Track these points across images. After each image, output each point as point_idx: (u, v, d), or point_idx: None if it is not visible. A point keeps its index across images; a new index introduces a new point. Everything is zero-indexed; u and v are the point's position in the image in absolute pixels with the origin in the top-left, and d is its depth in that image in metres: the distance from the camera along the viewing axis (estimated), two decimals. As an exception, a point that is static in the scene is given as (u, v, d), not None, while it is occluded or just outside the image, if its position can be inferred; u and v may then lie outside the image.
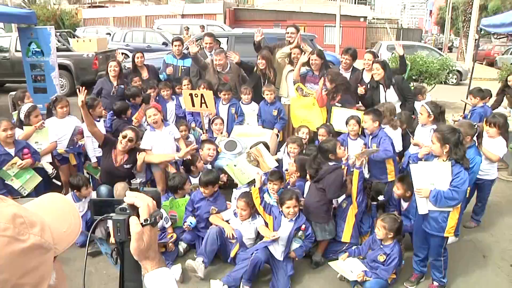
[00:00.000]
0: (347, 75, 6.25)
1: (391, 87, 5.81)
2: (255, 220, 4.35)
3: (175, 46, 7.32)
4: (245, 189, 4.89)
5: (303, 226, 4.05)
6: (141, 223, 1.13)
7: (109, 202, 1.20)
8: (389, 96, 5.77)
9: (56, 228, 0.86)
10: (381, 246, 3.92)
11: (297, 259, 4.11)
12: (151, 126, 5.31)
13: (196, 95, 5.82)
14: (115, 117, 5.89)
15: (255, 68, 6.64)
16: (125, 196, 1.18)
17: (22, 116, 5.04)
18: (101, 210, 1.19)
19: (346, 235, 4.36)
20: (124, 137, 4.86)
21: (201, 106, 5.87)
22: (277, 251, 4.00)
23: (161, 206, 1.25)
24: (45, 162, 4.91)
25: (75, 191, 4.70)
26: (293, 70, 6.48)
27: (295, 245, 4.05)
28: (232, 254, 4.28)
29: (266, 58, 6.53)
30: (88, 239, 1.28)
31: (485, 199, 5.23)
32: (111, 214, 1.17)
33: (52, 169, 4.89)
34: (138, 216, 1.14)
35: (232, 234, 4.27)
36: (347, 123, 5.22)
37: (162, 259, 1.21)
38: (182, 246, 4.49)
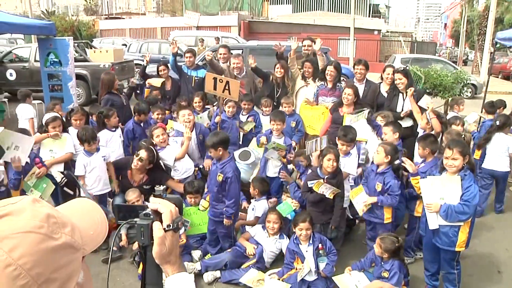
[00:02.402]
0: (361, 86, 6.24)
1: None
2: (282, 240, 4.45)
3: (187, 57, 7.41)
4: (263, 200, 4.96)
5: (321, 246, 4.06)
6: (164, 228, 1.18)
7: (133, 207, 1.25)
8: (407, 105, 5.76)
9: (85, 230, 0.91)
10: (382, 263, 3.89)
11: (329, 276, 4.07)
12: (158, 147, 5.31)
13: (220, 80, 5.82)
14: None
15: (271, 77, 6.69)
16: (149, 202, 1.23)
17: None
18: (125, 215, 1.25)
19: (387, 216, 4.31)
20: (137, 155, 4.90)
21: (223, 92, 5.86)
22: (311, 276, 4.02)
23: (183, 213, 1.29)
24: (55, 171, 4.93)
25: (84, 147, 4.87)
26: (305, 86, 6.52)
27: (322, 265, 4.04)
28: (244, 266, 4.33)
29: (284, 68, 6.58)
30: (112, 246, 1.33)
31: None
32: (135, 219, 1.21)
33: (62, 178, 4.94)
34: (161, 222, 1.19)
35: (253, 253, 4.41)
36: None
37: (182, 264, 1.25)
38: (196, 254, 4.53)
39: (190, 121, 5.56)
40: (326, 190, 4.25)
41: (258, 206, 4.98)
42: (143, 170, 4.99)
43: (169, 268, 1.20)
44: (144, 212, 1.21)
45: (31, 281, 0.73)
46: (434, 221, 3.71)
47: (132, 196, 4.68)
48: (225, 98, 6.13)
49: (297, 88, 6.63)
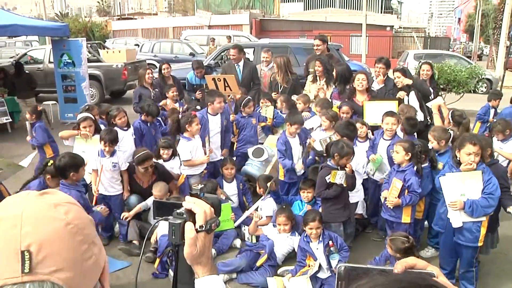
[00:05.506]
0: (381, 85, 6.11)
1: (412, 93, 5.75)
2: (293, 237, 4.41)
3: (197, 70, 7.62)
4: (269, 198, 4.92)
5: (331, 242, 4.03)
6: (196, 229, 1.15)
7: (172, 205, 1.23)
8: (411, 102, 5.70)
9: None
10: (396, 261, 3.84)
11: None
12: (183, 136, 5.25)
13: (219, 79, 6.01)
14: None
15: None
16: (184, 200, 1.21)
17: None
18: (162, 212, 1.22)
19: (405, 216, 4.24)
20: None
21: (225, 90, 5.96)
22: (324, 273, 4.03)
23: (220, 213, 1.25)
24: (87, 172, 4.84)
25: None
26: (319, 89, 6.43)
27: (334, 262, 4.00)
28: (258, 263, 4.30)
29: (278, 65, 6.55)
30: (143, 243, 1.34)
31: None
32: (169, 217, 1.19)
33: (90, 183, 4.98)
34: (195, 222, 1.16)
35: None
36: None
37: (214, 267, 1.22)
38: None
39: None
40: (341, 179, 4.22)
41: (264, 206, 4.91)
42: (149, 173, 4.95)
43: (199, 270, 1.18)
44: (177, 210, 1.18)
45: (85, 238, 0.81)
46: (458, 219, 3.64)
47: (159, 193, 4.68)
48: (240, 98, 6.19)
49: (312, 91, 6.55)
